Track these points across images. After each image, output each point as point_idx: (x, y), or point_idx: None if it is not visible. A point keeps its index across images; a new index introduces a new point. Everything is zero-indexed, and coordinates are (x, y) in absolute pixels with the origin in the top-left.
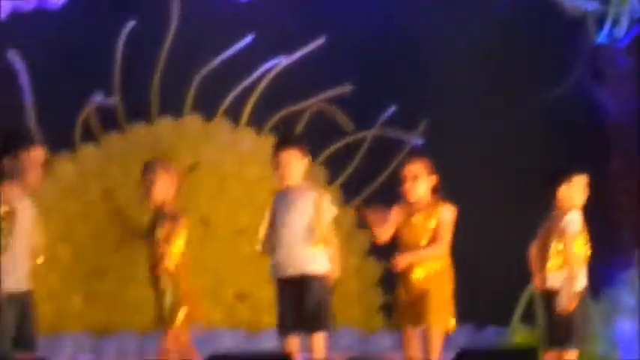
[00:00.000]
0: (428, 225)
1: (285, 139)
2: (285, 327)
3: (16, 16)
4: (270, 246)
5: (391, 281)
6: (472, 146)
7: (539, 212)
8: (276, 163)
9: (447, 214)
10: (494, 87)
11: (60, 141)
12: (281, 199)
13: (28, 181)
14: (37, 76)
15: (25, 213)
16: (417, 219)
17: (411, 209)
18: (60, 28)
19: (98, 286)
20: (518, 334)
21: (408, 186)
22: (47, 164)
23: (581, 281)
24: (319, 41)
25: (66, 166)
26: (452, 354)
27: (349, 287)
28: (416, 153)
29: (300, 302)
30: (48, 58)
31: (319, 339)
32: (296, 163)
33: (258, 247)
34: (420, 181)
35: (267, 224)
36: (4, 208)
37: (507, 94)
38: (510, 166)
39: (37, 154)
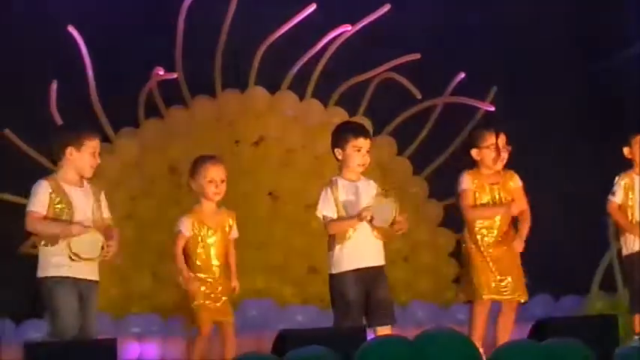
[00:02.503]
0: (504, 195)
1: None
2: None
3: None
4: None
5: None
6: (542, 113)
7: (612, 175)
8: (356, 147)
9: (520, 183)
10: (560, 54)
11: (123, 117)
12: (351, 189)
13: (83, 170)
14: (99, 52)
15: (83, 201)
16: (494, 189)
17: (487, 178)
18: (121, 1)
19: (165, 265)
20: (597, 302)
21: (499, 155)
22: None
23: None
24: (385, 8)
25: (129, 143)
26: (529, 324)
27: (421, 260)
28: (486, 121)
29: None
30: (109, 33)
31: (387, 331)
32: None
33: (329, 233)
34: (506, 150)
35: (334, 207)
36: (58, 199)
37: (572, 62)
38: (580, 132)
39: (90, 143)
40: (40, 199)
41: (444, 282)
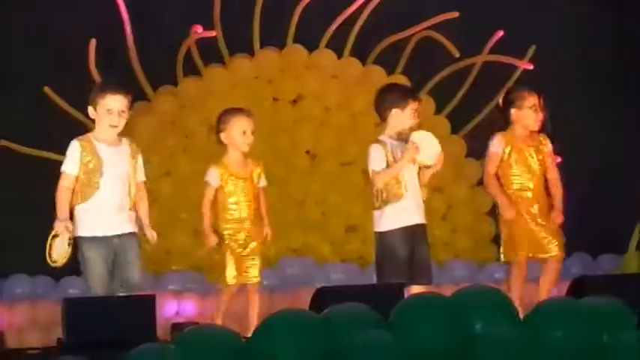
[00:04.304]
0: (538, 157)
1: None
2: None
3: None
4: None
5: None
6: (579, 73)
7: None
8: (410, 109)
9: (550, 147)
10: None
11: (162, 75)
12: (397, 147)
13: (110, 127)
14: (137, 10)
15: (115, 160)
16: (529, 150)
17: (522, 140)
18: None
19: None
20: (633, 261)
21: (537, 116)
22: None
23: None
24: None
25: (167, 100)
26: (567, 282)
27: (459, 218)
28: (525, 80)
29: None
30: None
31: (423, 289)
32: None
33: (379, 186)
34: (543, 112)
35: (384, 163)
36: (87, 159)
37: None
38: (618, 90)
39: (110, 101)
40: (71, 159)
41: (481, 241)
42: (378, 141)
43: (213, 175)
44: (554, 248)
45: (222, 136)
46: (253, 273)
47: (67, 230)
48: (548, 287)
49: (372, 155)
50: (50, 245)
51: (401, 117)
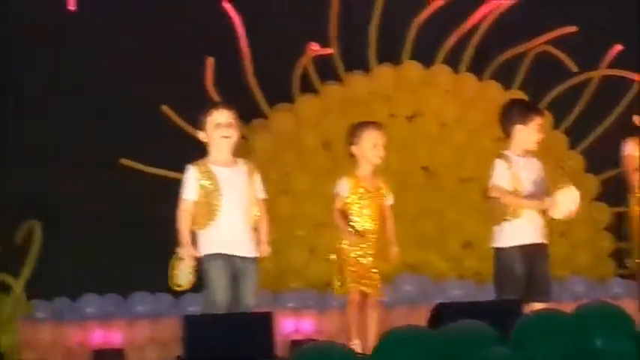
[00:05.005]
0: None
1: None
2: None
3: None
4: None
5: (621, 226)
6: None
7: None
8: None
9: None
10: None
11: (278, 93)
12: (522, 164)
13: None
14: (254, 28)
15: (233, 181)
16: None
17: None
18: None
19: (319, 238)
20: None
21: None
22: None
23: None
24: None
25: (284, 117)
26: None
27: (578, 234)
28: None
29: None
30: (264, 9)
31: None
32: None
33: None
34: None
35: (509, 179)
36: (205, 182)
37: None
38: None
39: (217, 116)
40: (188, 184)
41: (600, 256)
42: (502, 156)
43: (344, 186)
44: None
45: (354, 148)
46: (373, 286)
47: (191, 257)
48: None
49: (497, 170)
50: (174, 269)
51: (525, 132)
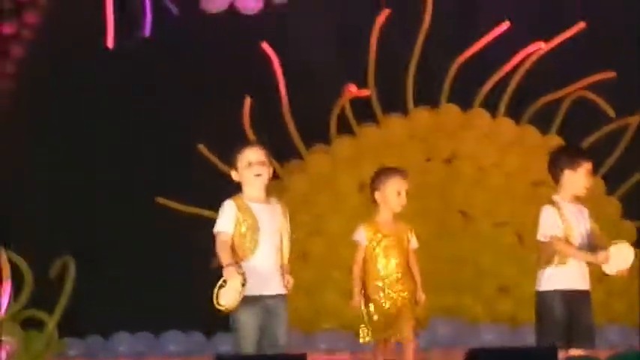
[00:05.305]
0: None
1: None
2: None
3: (268, 9)
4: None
5: None
6: None
7: None
8: (583, 170)
9: None
10: None
11: (315, 134)
12: (572, 211)
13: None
14: (292, 69)
15: (268, 219)
16: None
17: None
18: (311, 19)
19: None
20: None
21: None
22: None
23: None
24: (580, 25)
25: (320, 158)
26: None
27: (614, 280)
28: None
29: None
30: (302, 49)
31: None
32: None
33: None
34: None
35: (560, 225)
36: (242, 218)
37: None
38: None
39: (249, 155)
40: (226, 218)
41: (635, 304)
42: (552, 202)
43: (362, 234)
44: None
45: (377, 194)
46: (405, 331)
47: (238, 272)
48: None
49: (547, 217)
50: (217, 294)
51: (574, 178)
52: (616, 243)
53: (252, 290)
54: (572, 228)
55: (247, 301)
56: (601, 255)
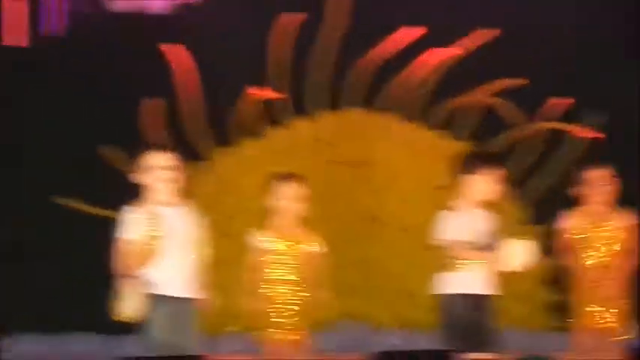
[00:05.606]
0: (612, 234)
1: None
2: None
3: (173, 9)
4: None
5: (558, 280)
6: None
7: None
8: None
9: (629, 221)
10: None
11: (221, 135)
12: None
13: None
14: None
15: (175, 221)
16: (602, 229)
17: (592, 217)
18: (215, 20)
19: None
20: None
21: (596, 191)
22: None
23: None
24: (494, 32)
25: (226, 161)
26: None
27: (518, 285)
28: (591, 150)
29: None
30: (207, 52)
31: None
32: None
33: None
34: (608, 187)
35: (459, 230)
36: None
37: None
38: None
39: (157, 159)
40: (130, 224)
41: (539, 309)
42: (453, 207)
43: (259, 238)
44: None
45: (274, 200)
46: (298, 334)
47: (135, 284)
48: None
49: (446, 221)
50: (116, 301)
51: (478, 183)
52: (513, 241)
53: (162, 290)
54: (471, 232)
55: (157, 303)
56: (499, 254)
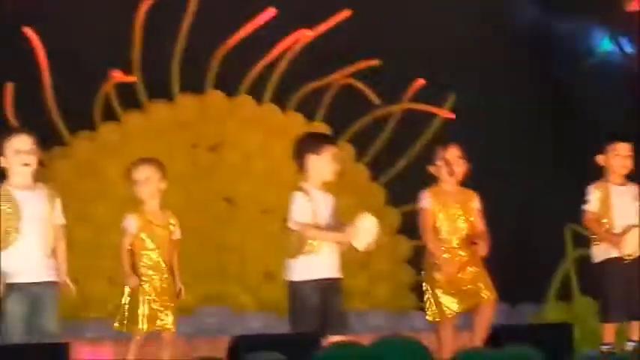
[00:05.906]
0: (466, 214)
1: None
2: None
3: None
4: None
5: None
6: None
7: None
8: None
9: (479, 205)
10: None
11: (80, 120)
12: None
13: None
14: (56, 54)
15: (33, 205)
16: (455, 207)
17: (448, 195)
18: (76, 4)
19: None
20: (553, 311)
21: (449, 170)
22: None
23: None
24: (345, 13)
25: (84, 145)
26: None
27: (379, 267)
28: (445, 130)
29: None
30: (67, 35)
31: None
32: None
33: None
34: (460, 165)
35: (309, 212)
36: (4, 206)
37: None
38: (538, 140)
39: (17, 143)
40: None
41: (401, 289)
42: (301, 188)
43: (132, 223)
44: (476, 293)
45: (134, 185)
46: (167, 321)
47: None
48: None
49: (296, 203)
50: None
51: (319, 163)
52: (360, 216)
53: (18, 278)
54: (318, 214)
55: (13, 289)
56: (348, 231)
